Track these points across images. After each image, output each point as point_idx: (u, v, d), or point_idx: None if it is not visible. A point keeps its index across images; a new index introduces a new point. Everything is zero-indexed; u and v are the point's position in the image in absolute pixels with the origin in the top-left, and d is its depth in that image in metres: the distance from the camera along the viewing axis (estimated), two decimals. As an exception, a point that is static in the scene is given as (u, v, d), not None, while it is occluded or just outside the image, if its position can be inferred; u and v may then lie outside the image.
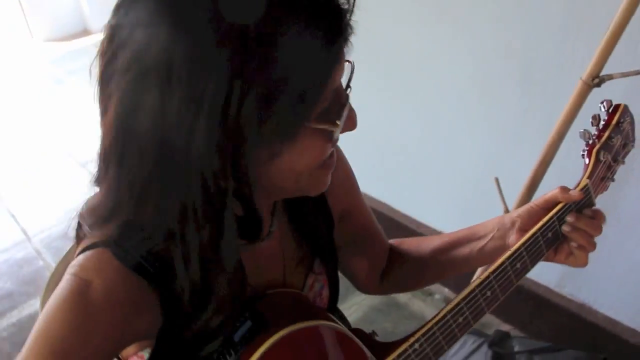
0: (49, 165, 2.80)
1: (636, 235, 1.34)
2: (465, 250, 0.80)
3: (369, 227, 0.88)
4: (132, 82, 0.49)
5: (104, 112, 0.53)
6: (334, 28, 0.51)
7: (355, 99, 0.59)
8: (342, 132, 0.57)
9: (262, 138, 0.51)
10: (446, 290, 1.87)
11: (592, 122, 0.78)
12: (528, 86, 1.34)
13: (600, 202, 0.79)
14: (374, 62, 1.70)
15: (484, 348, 1.43)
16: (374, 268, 0.90)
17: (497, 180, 1.31)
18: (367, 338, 0.71)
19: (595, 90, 1.05)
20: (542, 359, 1.38)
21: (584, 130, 0.77)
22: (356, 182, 0.85)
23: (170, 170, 0.50)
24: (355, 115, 0.59)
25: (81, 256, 0.56)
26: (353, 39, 0.54)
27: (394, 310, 1.83)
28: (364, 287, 0.92)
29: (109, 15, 0.52)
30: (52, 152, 2.91)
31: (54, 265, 2.26)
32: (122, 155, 0.51)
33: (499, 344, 1.45)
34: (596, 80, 1.01)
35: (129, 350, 0.69)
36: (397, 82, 1.73)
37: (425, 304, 1.84)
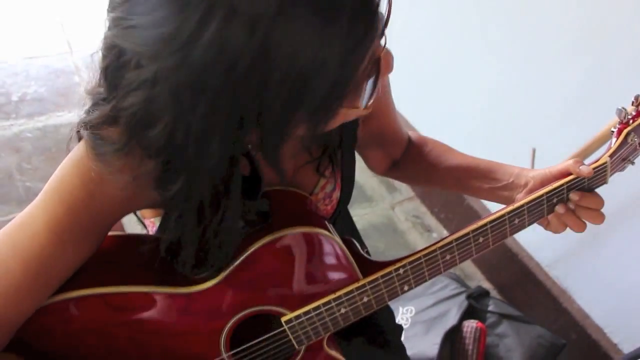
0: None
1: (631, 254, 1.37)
2: (477, 182, 0.84)
3: (391, 126, 0.91)
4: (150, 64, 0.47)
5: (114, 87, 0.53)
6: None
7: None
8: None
9: (290, 127, 0.51)
10: (445, 232, 1.93)
11: (633, 102, 0.76)
12: (597, 73, 1.30)
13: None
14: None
15: (462, 297, 1.51)
16: (387, 156, 0.95)
17: (534, 150, 1.31)
18: (357, 252, 0.75)
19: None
20: (510, 326, 1.47)
21: (622, 107, 0.76)
22: (387, 80, 0.82)
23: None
24: (392, 58, 0.57)
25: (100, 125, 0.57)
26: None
27: (391, 234, 1.90)
28: (373, 168, 0.98)
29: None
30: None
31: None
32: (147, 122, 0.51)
33: (476, 299, 1.53)
34: None
35: (146, 213, 0.75)
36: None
37: (422, 238, 1.91)
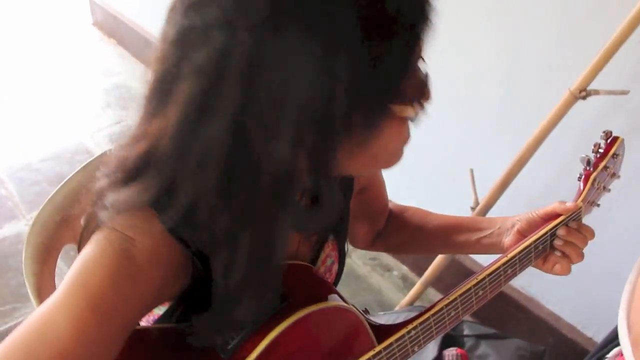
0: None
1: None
2: (464, 236, 0.85)
3: (382, 195, 0.91)
4: (206, 84, 0.46)
5: (154, 114, 0.51)
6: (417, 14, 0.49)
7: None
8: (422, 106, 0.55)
9: (349, 132, 0.49)
10: (404, 267, 1.93)
11: (592, 149, 0.83)
12: (514, 87, 1.38)
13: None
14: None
15: (436, 328, 1.50)
16: (372, 229, 0.94)
17: (471, 171, 1.36)
18: (367, 318, 0.73)
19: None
20: (488, 345, 1.46)
21: (586, 155, 0.82)
22: None
23: (239, 172, 0.48)
24: (430, 89, 0.56)
25: (124, 212, 0.53)
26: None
27: (353, 281, 1.88)
28: (356, 243, 0.96)
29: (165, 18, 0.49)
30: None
31: (16, 195, 2.19)
32: (182, 156, 0.49)
33: (449, 326, 1.52)
34: (583, 93, 1.06)
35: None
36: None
37: (384, 279, 1.91)
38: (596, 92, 1.06)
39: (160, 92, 0.50)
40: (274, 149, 0.47)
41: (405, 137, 0.57)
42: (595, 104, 1.13)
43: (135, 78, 2.87)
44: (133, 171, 0.52)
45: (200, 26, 0.46)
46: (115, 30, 3.14)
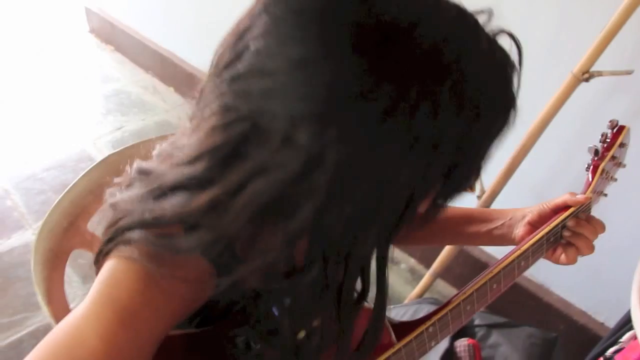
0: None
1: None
2: (475, 227, 0.85)
3: None
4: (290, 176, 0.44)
5: (220, 174, 0.47)
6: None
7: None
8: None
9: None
10: (412, 260, 1.93)
11: (600, 139, 0.83)
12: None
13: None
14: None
15: (446, 319, 1.49)
16: None
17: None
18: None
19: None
20: (500, 334, 1.46)
21: (593, 145, 0.82)
22: None
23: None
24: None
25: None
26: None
27: (361, 276, 1.88)
28: None
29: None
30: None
31: (22, 205, 2.19)
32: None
33: (460, 316, 1.52)
34: (586, 75, 1.05)
35: None
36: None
37: (392, 272, 1.86)
38: (599, 74, 1.05)
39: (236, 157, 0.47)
40: (357, 249, 0.50)
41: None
42: (598, 87, 1.12)
43: (134, 83, 2.87)
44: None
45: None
46: (112, 36, 3.14)
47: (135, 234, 0.50)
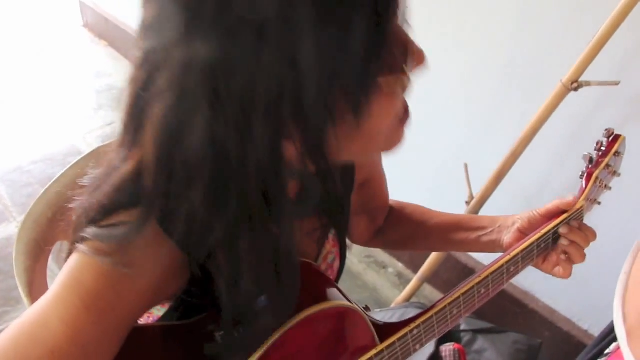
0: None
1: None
2: (464, 234, 0.84)
3: (382, 189, 0.90)
4: (174, 103, 0.44)
5: (133, 142, 0.48)
6: None
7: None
8: (412, 71, 0.50)
9: (333, 116, 0.45)
10: (400, 265, 1.93)
11: (595, 147, 0.83)
12: (509, 79, 1.38)
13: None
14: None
15: (432, 323, 1.50)
16: (372, 224, 0.93)
17: (466, 165, 1.36)
18: (369, 317, 0.73)
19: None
20: (485, 339, 1.46)
21: (588, 153, 0.82)
22: None
23: (225, 182, 0.46)
24: (421, 49, 0.50)
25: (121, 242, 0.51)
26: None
27: (348, 279, 1.88)
28: (355, 240, 0.95)
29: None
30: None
31: (6, 197, 2.18)
32: (168, 179, 0.46)
33: (446, 321, 1.52)
34: (575, 84, 1.06)
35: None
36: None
37: (379, 276, 1.90)
38: (587, 84, 1.06)
39: (135, 118, 0.48)
40: (252, 150, 0.44)
41: (397, 110, 0.52)
42: (586, 96, 1.14)
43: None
44: (124, 197, 0.50)
45: (159, 47, 0.44)
46: (106, 31, 3.12)
47: (87, 232, 0.50)
